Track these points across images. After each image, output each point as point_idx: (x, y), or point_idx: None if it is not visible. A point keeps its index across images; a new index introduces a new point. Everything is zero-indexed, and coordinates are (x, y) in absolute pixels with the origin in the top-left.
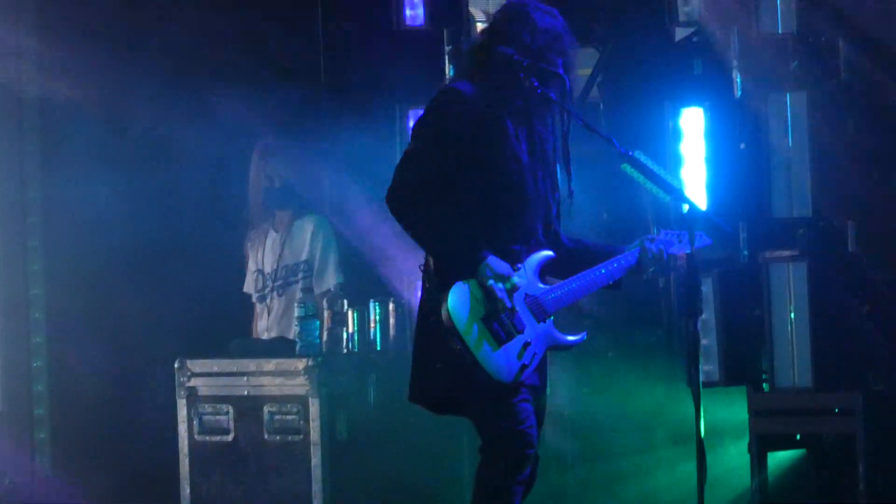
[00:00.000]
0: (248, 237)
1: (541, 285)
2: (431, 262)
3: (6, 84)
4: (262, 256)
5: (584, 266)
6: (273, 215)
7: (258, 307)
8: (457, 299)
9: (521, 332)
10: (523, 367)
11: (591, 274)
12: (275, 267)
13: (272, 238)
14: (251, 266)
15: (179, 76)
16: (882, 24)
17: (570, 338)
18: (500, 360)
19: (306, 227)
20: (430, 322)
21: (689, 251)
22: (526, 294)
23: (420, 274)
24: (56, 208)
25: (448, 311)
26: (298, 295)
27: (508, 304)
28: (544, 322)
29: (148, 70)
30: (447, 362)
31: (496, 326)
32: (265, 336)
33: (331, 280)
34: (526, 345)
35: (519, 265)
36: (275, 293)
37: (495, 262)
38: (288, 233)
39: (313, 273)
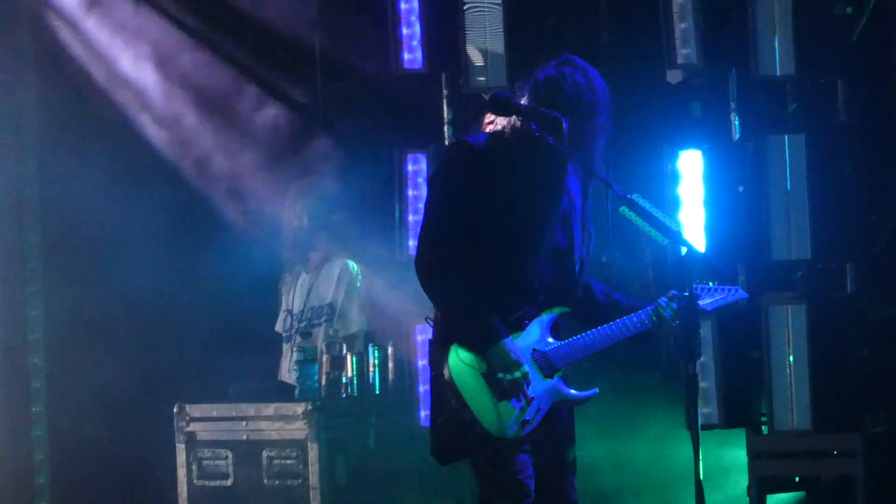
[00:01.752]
0: (282, 279)
1: (551, 340)
2: (438, 314)
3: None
4: (293, 297)
5: (610, 319)
6: (306, 257)
7: (284, 347)
8: (459, 357)
9: (516, 393)
10: (525, 422)
11: (604, 330)
12: (302, 308)
13: (303, 279)
14: (283, 306)
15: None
16: (880, 67)
17: (578, 393)
18: (501, 417)
19: (334, 271)
20: (433, 376)
21: (721, 305)
22: (534, 349)
23: (421, 322)
24: (55, 254)
25: (449, 366)
26: (322, 337)
27: (518, 401)
28: (551, 378)
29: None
30: (448, 417)
31: (495, 382)
32: (288, 377)
33: (353, 325)
34: (529, 401)
35: (527, 322)
36: (299, 334)
37: (502, 354)
38: (317, 275)
39: (335, 316)
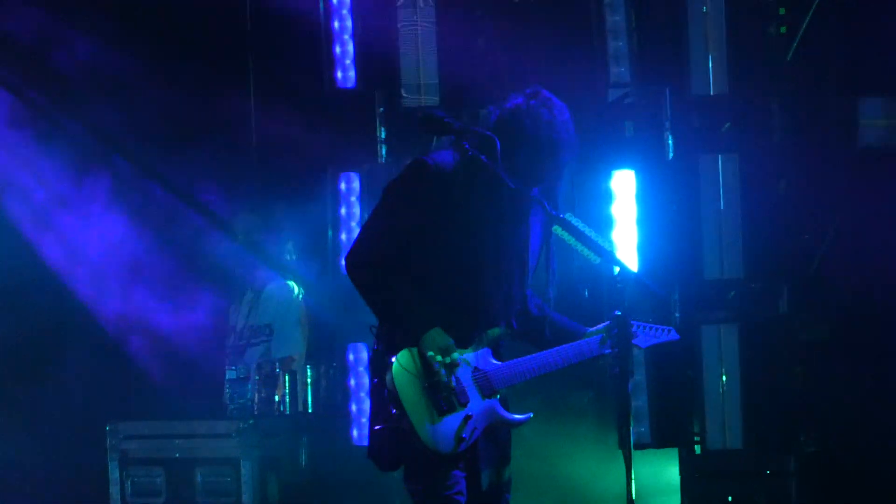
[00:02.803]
0: (232, 297)
1: (493, 361)
2: (383, 326)
3: None
4: (238, 315)
5: (555, 343)
6: (252, 276)
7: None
8: (402, 366)
9: (463, 405)
10: (461, 440)
11: (546, 357)
12: (243, 326)
13: (247, 298)
14: (230, 323)
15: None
16: (814, 86)
17: (515, 416)
18: (437, 431)
19: (275, 292)
20: (375, 384)
21: (654, 343)
22: (476, 368)
23: (353, 341)
24: None
25: (392, 376)
26: (258, 357)
27: (444, 380)
28: (490, 398)
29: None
30: (387, 425)
31: (438, 397)
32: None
33: (290, 347)
34: (467, 418)
35: (471, 339)
36: (233, 353)
37: (439, 335)
38: (259, 295)
39: (273, 337)
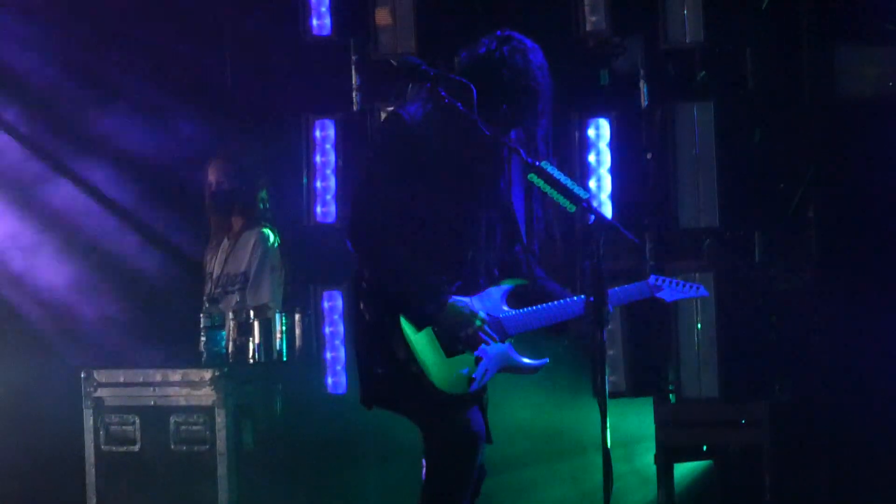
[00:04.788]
0: (208, 246)
1: (505, 308)
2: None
3: None
4: (214, 263)
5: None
6: (229, 223)
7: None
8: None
9: (474, 347)
10: (471, 380)
11: (557, 306)
12: (219, 274)
13: (224, 245)
14: (206, 270)
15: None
16: (789, 34)
17: (528, 360)
18: (447, 371)
19: (250, 239)
20: (370, 324)
21: (674, 299)
22: (488, 314)
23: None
24: None
25: (401, 319)
26: (233, 305)
27: (467, 360)
28: (502, 343)
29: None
30: (390, 368)
31: (446, 338)
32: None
33: (264, 296)
34: (478, 360)
35: (479, 288)
36: (208, 300)
37: (455, 312)
38: (236, 242)
39: (248, 285)
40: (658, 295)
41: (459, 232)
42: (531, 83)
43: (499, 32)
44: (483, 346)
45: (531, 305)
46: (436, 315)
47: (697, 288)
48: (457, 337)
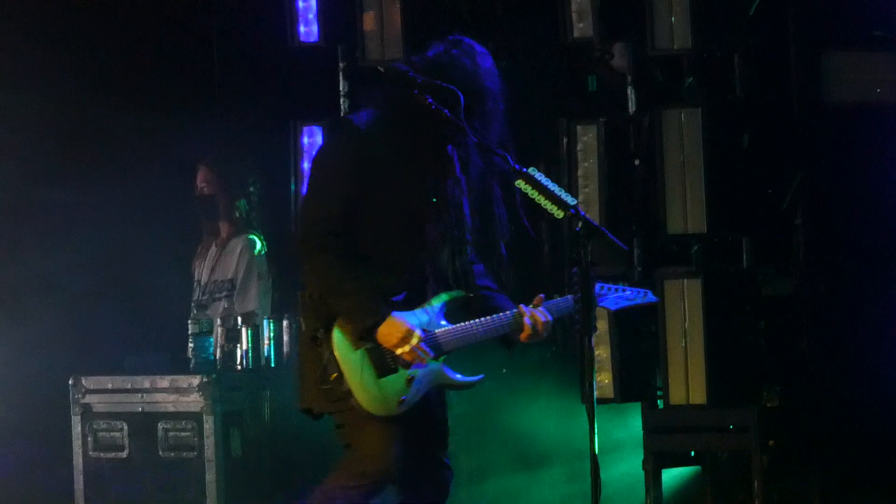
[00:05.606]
0: (196, 251)
1: (443, 322)
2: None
3: None
4: (202, 269)
5: (497, 311)
6: (217, 229)
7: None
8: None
9: (407, 366)
10: (401, 402)
11: (495, 321)
12: (206, 280)
13: (212, 252)
14: (194, 277)
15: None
16: (776, 41)
17: (462, 377)
18: (376, 393)
19: (237, 246)
20: (305, 336)
21: (619, 307)
22: (424, 330)
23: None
24: None
25: (334, 333)
26: (221, 311)
27: (419, 365)
28: (436, 360)
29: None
30: (324, 386)
31: (379, 358)
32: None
33: (251, 303)
34: (410, 379)
35: (423, 300)
36: (196, 307)
37: (394, 327)
38: (223, 248)
39: (235, 292)
40: (602, 303)
41: (407, 241)
42: (479, 86)
43: (450, 37)
44: (417, 364)
45: (473, 318)
46: (372, 333)
47: (645, 294)
48: (392, 356)
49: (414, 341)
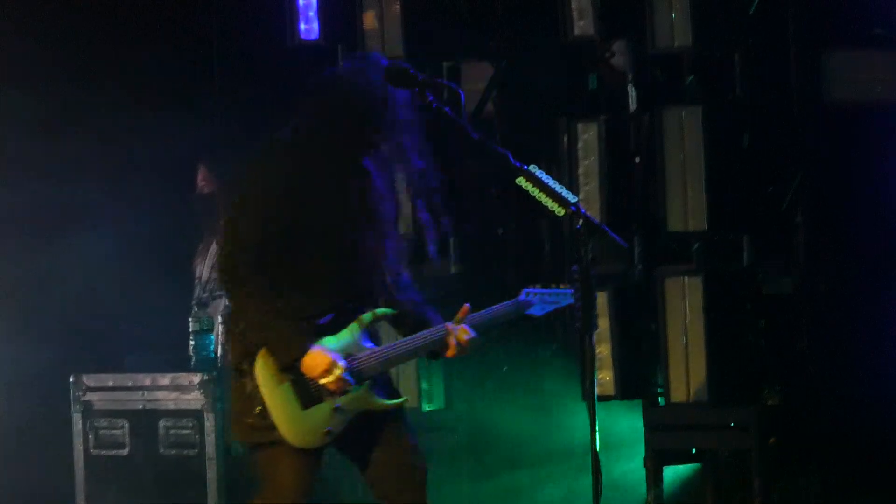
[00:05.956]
0: (197, 250)
1: (366, 345)
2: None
3: None
4: (203, 267)
5: (423, 326)
6: (217, 226)
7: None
8: (266, 359)
9: (331, 395)
10: (327, 433)
11: (418, 340)
12: (207, 278)
13: (212, 250)
14: (195, 275)
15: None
16: (777, 40)
17: (387, 402)
18: (301, 426)
19: None
20: (237, 372)
21: (546, 312)
22: (349, 355)
23: None
24: None
25: (256, 367)
26: (221, 309)
27: (340, 393)
28: (360, 385)
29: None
30: (248, 419)
31: (303, 389)
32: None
33: None
34: (335, 410)
35: (341, 325)
36: (196, 304)
37: (318, 357)
38: None
39: None
40: (529, 312)
41: (330, 261)
42: (386, 97)
43: (357, 54)
44: (343, 394)
45: (400, 336)
46: (294, 366)
47: (566, 295)
48: (317, 386)
49: (337, 371)
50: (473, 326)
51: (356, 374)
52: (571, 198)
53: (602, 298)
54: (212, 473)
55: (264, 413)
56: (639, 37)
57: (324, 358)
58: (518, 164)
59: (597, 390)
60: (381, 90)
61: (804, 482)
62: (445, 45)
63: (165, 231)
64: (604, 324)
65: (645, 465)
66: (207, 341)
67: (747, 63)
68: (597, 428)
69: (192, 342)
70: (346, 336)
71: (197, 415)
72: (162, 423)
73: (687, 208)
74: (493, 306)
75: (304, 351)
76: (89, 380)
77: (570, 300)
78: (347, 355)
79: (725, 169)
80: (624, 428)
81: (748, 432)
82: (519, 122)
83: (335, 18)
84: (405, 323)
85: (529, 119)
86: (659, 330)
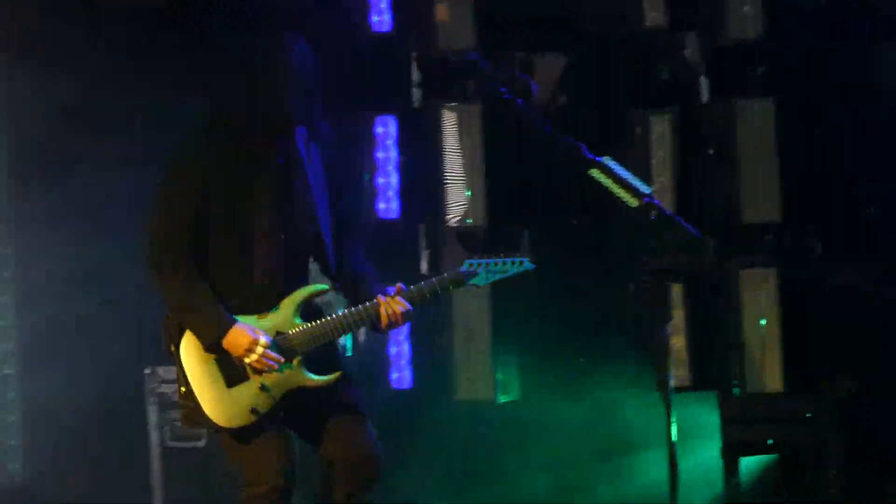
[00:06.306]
0: None
1: (296, 322)
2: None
3: None
4: None
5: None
6: None
7: None
8: (190, 340)
9: (259, 373)
10: (251, 412)
11: (349, 316)
12: None
13: None
14: None
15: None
16: (849, 29)
17: (320, 378)
18: (225, 405)
19: None
20: (171, 356)
21: (490, 281)
22: (277, 332)
23: (390, 284)
24: (26, 218)
25: (181, 349)
26: None
27: (274, 365)
28: (290, 362)
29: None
30: (181, 402)
31: (227, 368)
32: None
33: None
34: (261, 388)
35: (272, 304)
36: None
37: (240, 335)
38: None
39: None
40: (472, 282)
41: (251, 242)
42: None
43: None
44: (269, 371)
45: (337, 311)
46: (216, 344)
47: (521, 262)
48: (242, 365)
49: (259, 349)
50: (409, 298)
51: (286, 350)
52: (645, 189)
53: (676, 290)
54: None
55: (190, 395)
56: (711, 27)
57: (245, 336)
58: (591, 156)
59: (672, 382)
60: (294, 64)
61: (880, 472)
62: (517, 37)
63: None
64: (679, 315)
65: (721, 456)
66: None
67: (820, 53)
68: (672, 419)
69: None
70: (276, 314)
71: None
72: None
73: (760, 199)
74: (432, 277)
75: (226, 330)
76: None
77: (519, 269)
78: (277, 333)
79: (798, 160)
80: (700, 419)
81: (824, 423)
82: (590, 113)
83: (407, 10)
84: (350, 297)
85: (601, 110)
86: (733, 321)
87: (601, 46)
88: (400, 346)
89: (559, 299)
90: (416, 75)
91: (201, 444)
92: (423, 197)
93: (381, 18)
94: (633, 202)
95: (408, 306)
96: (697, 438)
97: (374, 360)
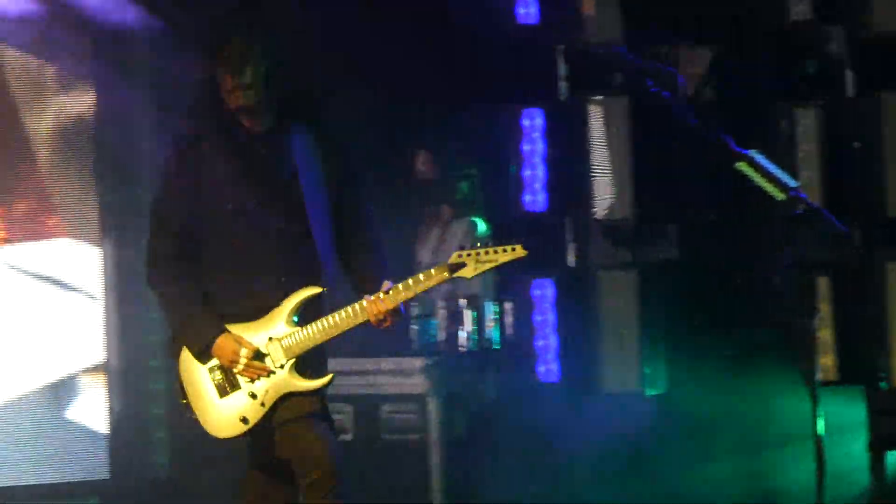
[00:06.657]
0: (419, 232)
1: (286, 327)
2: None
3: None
4: (425, 251)
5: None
6: (439, 211)
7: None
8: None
9: (251, 381)
10: (241, 420)
11: (338, 318)
12: (429, 262)
13: (434, 233)
14: (416, 259)
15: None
16: None
17: (309, 383)
18: (216, 415)
19: (461, 228)
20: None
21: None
22: (269, 337)
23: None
24: None
25: (180, 361)
26: (443, 294)
27: (261, 374)
28: (281, 368)
29: None
30: (186, 412)
31: (221, 377)
32: None
33: (475, 286)
34: (252, 396)
35: (267, 309)
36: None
37: (227, 342)
38: (446, 230)
39: None
40: (458, 274)
41: (241, 247)
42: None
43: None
44: (258, 381)
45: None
46: (205, 353)
47: (513, 249)
48: (233, 375)
49: (242, 359)
50: (395, 297)
51: (276, 355)
52: (792, 182)
53: (823, 283)
54: (435, 458)
55: (188, 407)
56: (857, 20)
57: (230, 344)
58: (738, 149)
59: (818, 375)
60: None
61: None
62: (664, 30)
63: (385, 216)
64: (826, 308)
65: (869, 450)
66: (429, 325)
67: None
68: (819, 412)
69: (413, 326)
70: (269, 319)
71: (419, 399)
72: (384, 408)
73: None
74: (419, 273)
75: (212, 339)
76: None
77: (512, 256)
78: (270, 339)
79: None
80: (846, 412)
81: None
82: (736, 106)
83: (553, 3)
84: (357, 293)
85: (747, 104)
86: (880, 315)
87: (747, 40)
88: (547, 340)
89: (706, 293)
90: (562, 68)
91: (349, 437)
92: (570, 190)
93: (527, 11)
94: (779, 195)
95: (394, 305)
96: (844, 432)
97: (522, 352)
